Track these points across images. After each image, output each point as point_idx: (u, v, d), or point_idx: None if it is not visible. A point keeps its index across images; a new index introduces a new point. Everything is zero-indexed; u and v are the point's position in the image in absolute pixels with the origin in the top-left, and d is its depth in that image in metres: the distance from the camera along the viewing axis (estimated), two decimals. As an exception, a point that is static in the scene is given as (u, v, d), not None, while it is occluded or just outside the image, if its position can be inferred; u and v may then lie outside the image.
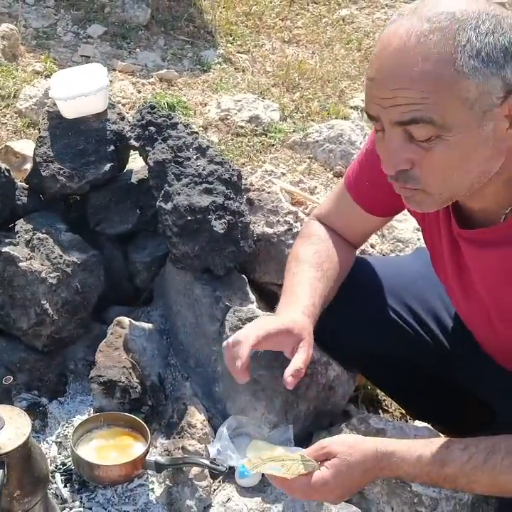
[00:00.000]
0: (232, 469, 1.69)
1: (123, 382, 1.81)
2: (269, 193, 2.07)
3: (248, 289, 1.92)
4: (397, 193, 1.32)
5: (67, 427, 1.85)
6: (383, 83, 1.19)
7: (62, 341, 1.95)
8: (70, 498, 1.68)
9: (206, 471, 1.67)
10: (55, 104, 2.08)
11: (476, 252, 1.40)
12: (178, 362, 1.94)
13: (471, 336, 1.60)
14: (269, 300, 1.98)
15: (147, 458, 1.67)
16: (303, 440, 1.74)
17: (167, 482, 1.70)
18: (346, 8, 4.18)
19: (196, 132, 2.04)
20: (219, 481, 1.72)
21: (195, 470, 1.66)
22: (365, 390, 2.12)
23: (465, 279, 1.47)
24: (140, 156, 2.07)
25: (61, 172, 2.00)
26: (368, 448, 1.37)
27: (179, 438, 1.73)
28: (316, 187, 2.20)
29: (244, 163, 2.68)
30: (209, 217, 1.87)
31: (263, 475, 1.68)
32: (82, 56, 3.23)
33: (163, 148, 1.96)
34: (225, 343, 1.56)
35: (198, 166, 1.94)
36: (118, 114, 2.13)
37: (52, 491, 1.67)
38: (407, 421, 2.02)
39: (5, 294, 1.89)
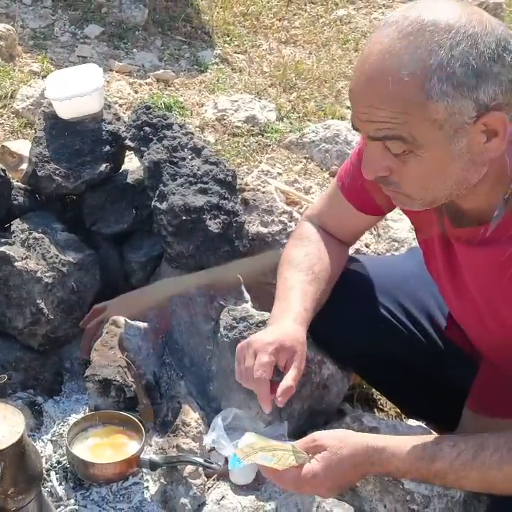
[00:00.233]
0: (226, 465, 1.70)
1: (118, 381, 1.82)
2: (263, 192, 2.08)
3: (242, 288, 1.93)
4: None
5: (62, 425, 1.85)
6: (359, 98, 1.25)
7: (57, 340, 1.96)
8: (65, 496, 1.68)
9: (200, 469, 1.68)
10: (51, 105, 2.09)
11: (467, 250, 1.42)
12: (173, 361, 1.95)
13: (463, 335, 1.61)
14: (265, 299, 1.98)
15: (142, 456, 1.68)
16: (297, 438, 1.75)
17: (162, 480, 1.71)
18: (343, 8, 4.19)
19: (191, 132, 2.06)
20: (213, 479, 1.73)
21: (189, 468, 1.67)
22: (360, 388, 2.13)
23: (457, 278, 1.49)
24: (135, 156, 2.08)
25: (57, 172, 2.02)
26: (359, 443, 1.38)
27: (174, 436, 1.74)
28: (311, 187, 2.21)
29: (240, 163, 2.69)
30: (204, 216, 1.88)
31: (257, 475, 1.70)
32: (79, 56, 3.24)
33: (158, 148, 1.97)
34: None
35: (192, 166, 1.95)
36: (114, 114, 2.14)
37: (47, 489, 1.68)
38: (402, 420, 2.03)
39: (1, 293, 1.90)
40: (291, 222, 2.04)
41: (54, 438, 1.82)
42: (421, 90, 1.18)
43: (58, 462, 1.74)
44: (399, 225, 2.37)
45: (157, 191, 1.92)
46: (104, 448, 1.72)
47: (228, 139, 2.85)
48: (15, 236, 1.95)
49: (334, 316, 1.70)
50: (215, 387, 1.86)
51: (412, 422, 1.89)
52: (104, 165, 2.05)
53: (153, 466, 1.67)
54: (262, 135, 2.90)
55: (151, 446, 1.77)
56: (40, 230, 1.97)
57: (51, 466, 1.73)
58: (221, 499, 1.68)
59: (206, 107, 3.05)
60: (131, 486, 1.72)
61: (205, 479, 1.71)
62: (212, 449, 1.72)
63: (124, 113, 2.63)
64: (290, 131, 2.96)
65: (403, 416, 2.06)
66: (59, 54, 3.25)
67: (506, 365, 1.49)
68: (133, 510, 1.67)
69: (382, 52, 1.20)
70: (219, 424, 1.69)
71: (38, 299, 1.88)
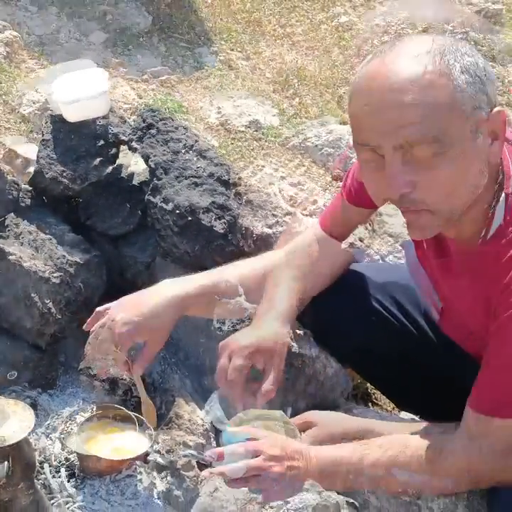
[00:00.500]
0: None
1: (125, 379, 1.84)
2: (267, 193, 2.11)
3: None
4: None
5: (56, 418, 1.86)
6: (381, 107, 1.23)
7: (63, 340, 1.98)
8: (58, 488, 1.69)
9: (193, 461, 1.69)
10: (57, 108, 2.12)
11: (450, 277, 1.48)
12: (167, 354, 1.95)
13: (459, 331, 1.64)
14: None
15: (149, 458, 1.69)
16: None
17: (168, 477, 1.73)
18: (345, 14, 4.22)
19: (196, 135, 2.09)
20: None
21: (182, 461, 1.68)
22: (363, 388, 2.15)
23: (443, 299, 1.56)
24: (141, 158, 2.11)
25: (64, 174, 2.04)
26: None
27: (167, 429, 1.75)
28: (314, 188, 2.23)
29: (244, 167, 2.71)
30: (209, 217, 1.91)
31: None
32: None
33: (163, 150, 2.00)
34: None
35: (198, 167, 1.98)
36: (119, 117, 2.17)
37: (40, 481, 1.68)
38: (395, 413, 2.04)
39: (8, 293, 1.92)
40: (295, 223, 2.06)
41: (48, 431, 1.82)
42: (448, 80, 1.20)
43: (66, 459, 1.76)
44: (394, 220, 2.38)
45: (163, 192, 1.94)
46: (100, 441, 1.73)
47: (232, 143, 2.87)
48: (22, 237, 1.97)
49: (329, 310, 1.74)
50: (209, 381, 1.86)
51: (405, 415, 1.91)
52: (110, 167, 2.08)
53: (158, 467, 1.68)
54: (265, 139, 2.93)
55: (157, 443, 1.78)
56: (47, 231, 2.00)
57: (45, 458, 1.74)
58: (214, 491, 1.67)
59: (209, 111, 3.07)
60: (124, 479, 1.71)
61: (198, 471, 1.71)
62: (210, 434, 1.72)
63: (128, 118, 2.66)
64: (293, 136, 2.98)
65: (397, 409, 2.08)
66: (64, 60, 3.28)
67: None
68: (140, 507, 1.68)
69: (397, 61, 1.23)
70: (214, 398, 1.69)
71: (45, 299, 1.91)
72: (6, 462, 1.37)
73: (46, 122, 2.14)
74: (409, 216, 1.32)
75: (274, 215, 2.06)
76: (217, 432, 1.78)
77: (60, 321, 1.93)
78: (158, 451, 1.71)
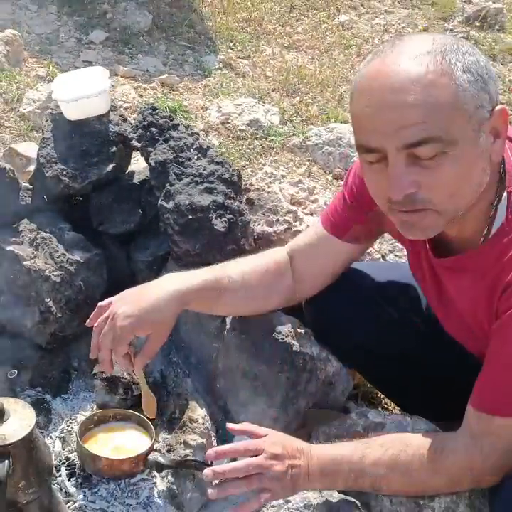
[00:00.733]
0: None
1: (125, 378, 1.83)
2: (268, 192, 2.10)
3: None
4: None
5: (70, 422, 1.87)
6: (383, 108, 1.22)
7: (65, 339, 1.98)
8: (74, 492, 1.70)
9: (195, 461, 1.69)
10: (58, 107, 2.12)
11: (452, 276, 1.47)
12: (180, 359, 1.96)
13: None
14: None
15: (150, 457, 1.68)
16: (302, 435, 1.77)
17: (169, 476, 1.73)
18: (345, 14, 4.23)
19: (197, 133, 2.08)
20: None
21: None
22: (364, 388, 2.14)
23: (445, 299, 1.54)
24: (142, 156, 2.11)
25: (64, 173, 2.04)
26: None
27: (181, 433, 1.76)
28: (315, 187, 2.23)
29: (244, 166, 2.72)
30: (210, 215, 1.90)
31: None
32: (84, 61, 3.28)
33: (164, 148, 1.99)
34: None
35: (198, 165, 1.97)
36: (120, 116, 2.16)
37: (56, 484, 1.69)
38: (406, 416, 2.03)
39: (9, 292, 1.91)
40: (296, 221, 2.06)
41: (62, 435, 1.83)
42: (450, 80, 1.20)
43: (67, 458, 1.76)
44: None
45: (163, 191, 1.94)
46: (114, 444, 1.73)
47: (232, 142, 2.87)
48: (23, 236, 1.97)
49: (330, 309, 1.75)
50: (221, 385, 1.87)
51: (417, 418, 1.90)
52: (110, 165, 2.07)
53: (159, 467, 1.68)
54: (266, 138, 2.93)
55: (158, 442, 1.78)
56: (47, 230, 1.99)
57: (60, 462, 1.75)
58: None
59: (210, 110, 3.07)
60: (139, 482, 1.73)
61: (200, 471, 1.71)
62: None
63: (129, 116, 2.66)
64: (293, 135, 2.99)
65: (398, 409, 2.08)
66: (64, 59, 3.29)
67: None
68: (141, 506, 1.68)
69: (398, 61, 1.22)
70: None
71: (46, 298, 1.90)
72: (6, 461, 1.37)
73: (47, 120, 2.13)
74: (413, 217, 1.30)
75: (274, 213, 2.06)
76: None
77: (60, 320, 1.93)
78: (159, 450, 1.70)
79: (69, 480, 1.71)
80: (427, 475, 1.44)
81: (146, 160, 2.04)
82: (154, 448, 1.72)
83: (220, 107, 3.04)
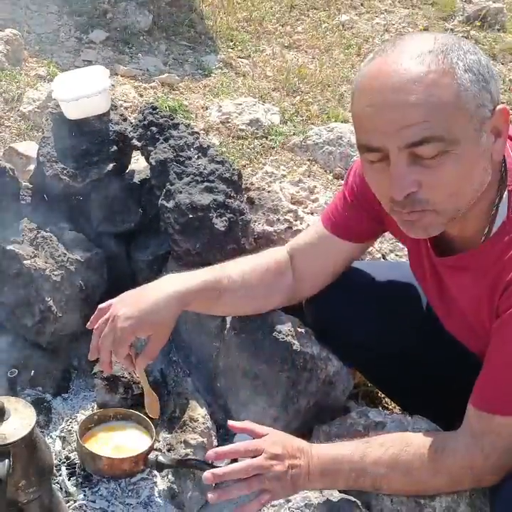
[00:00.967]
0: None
1: (126, 377, 1.83)
2: (269, 192, 2.10)
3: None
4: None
5: (71, 422, 1.87)
6: (385, 108, 1.22)
7: (65, 338, 1.97)
8: (75, 491, 1.70)
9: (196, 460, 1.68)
10: (58, 106, 2.11)
11: (454, 275, 1.47)
12: (180, 358, 1.97)
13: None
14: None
15: (150, 457, 1.68)
16: (303, 435, 1.76)
17: (169, 475, 1.73)
18: (346, 13, 4.23)
19: (197, 132, 2.08)
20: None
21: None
22: (364, 387, 2.14)
23: (446, 297, 1.54)
24: (142, 155, 2.11)
25: (64, 172, 2.04)
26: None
27: (181, 432, 1.76)
28: (315, 186, 2.23)
29: (245, 165, 2.72)
30: (210, 215, 1.90)
31: None
32: (84, 61, 3.28)
33: (164, 147, 1.99)
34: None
35: (199, 165, 1.97)
36: (120, 115, 2.16)
37: (57, 484, 1.69)
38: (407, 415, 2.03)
39: (10, 291, 1.91)
40: (296, 221, 2.06)
41: (62, 434, 1.83)
42: (452, 79, 1.20)
43: (67, 458, 1.76)
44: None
45: (164, 190, 1.94)
46: (113, 444, 1.73)
47: (233, 142, 2.87)
48: (23, 235, 1.97)
49: (331, 308, 1.75)
50: (222, 384, 1.87)
51: (418, 417, 1.90)
52: (111, 165, 2.07)
53: (159, 467, 1.68)
54: (266, 138, 2.93)
55: (159, 441, 1.78)
56: (48, 229, 1.99)
57: (60, 461, 1.75)
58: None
59: (210, 110, 3.08)
60: (139, 482, 1.73)
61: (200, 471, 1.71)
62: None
63: (129, 116, 2.66)
64: (294, 134, 2.99)
65: (398, 409, 2.07)
66: (64, 58, 3.29)
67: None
68: (141, 506, 1.68)
69: (400, 60, 1.22)
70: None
71: (46, 297, 1.90)
72: (6, 460, 1.36)
73: (47, 119, 2.13)
74: (413, 216, 1.31)
75: (275, 213, 2.06)
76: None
77: (61, 319, 1.92)
78: (160, 450, 1.70)
79: (69, 479, 1.71)
80: (427, 474, 1.44)
81: (147, 159, 2.04)
82: (155, 447, 1.72)
83: (221, 106, 3.04)
